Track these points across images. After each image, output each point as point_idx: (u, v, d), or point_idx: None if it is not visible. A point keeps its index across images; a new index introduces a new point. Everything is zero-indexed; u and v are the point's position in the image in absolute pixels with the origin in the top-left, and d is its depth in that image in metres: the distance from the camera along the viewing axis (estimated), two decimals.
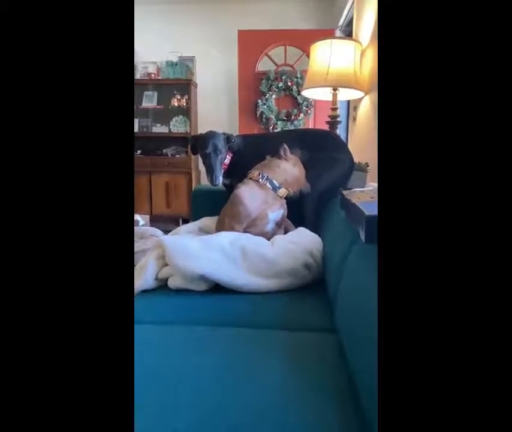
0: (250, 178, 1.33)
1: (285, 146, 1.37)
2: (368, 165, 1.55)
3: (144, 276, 1.10)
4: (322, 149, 1.47)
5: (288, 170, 1.35)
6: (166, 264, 1.11)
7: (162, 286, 1.12)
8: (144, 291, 1.10)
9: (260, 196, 1.29)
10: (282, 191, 1.33)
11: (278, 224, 1.33)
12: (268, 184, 1.31)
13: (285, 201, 1.36)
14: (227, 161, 1.47)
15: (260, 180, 1.31)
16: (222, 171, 1.46)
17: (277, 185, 1.32)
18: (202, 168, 1.58)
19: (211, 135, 1.44)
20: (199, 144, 1.45)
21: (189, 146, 1.55)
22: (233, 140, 1.45)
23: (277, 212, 1.32)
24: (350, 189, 1.33)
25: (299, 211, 1.42)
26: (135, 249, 2.13)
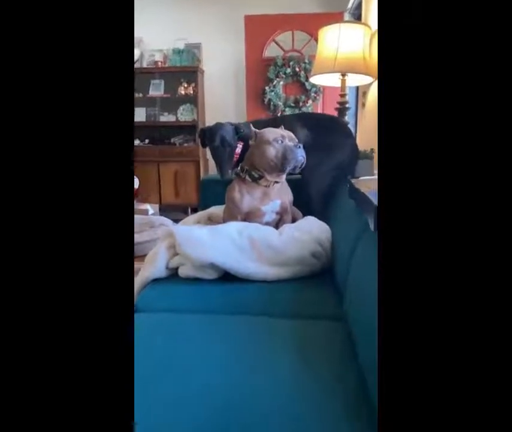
0: (238, 174, 1.31)
1: (251, 127, 1.29)
2: (373, 151, 1.54)
3: (155, 264, 1.12)
4: (326, 133, 1.46)
5: (254, 152, 1.27)
6: (177, 254, 1.13)
7: (172, 275, 1.14)
8: (155, 280, 1.13)
9: (247, 191, 1.27)
10: (263, 180, 1.26)
11: (280, 213, 1.31)
12: (247, 177, 1.27)
13: (284, 189, 1.31)
14: (238, 150, 1.46)
15: (241, 174, 1.29)
16: (233, 162, 1.45)
17: (256, 176, 1.26)
18: (210, 157, 1.57)
19: (218, 127, 1.42)
20: (207, 137, 1.45)
21: (199, 140, 1.55)
22: (242, 130, 1.44)
23: (272, 203, 1.28)
24: (358, 177, 1.32)
25: (305, 197, 1.42)
26: (146, 238, 2.16)
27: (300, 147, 1.21)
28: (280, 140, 1.22)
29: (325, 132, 1.47)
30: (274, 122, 1.42)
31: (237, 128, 1.44)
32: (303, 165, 1.23)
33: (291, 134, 1.27)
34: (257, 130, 1.28)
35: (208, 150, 1.51)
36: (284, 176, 1.29)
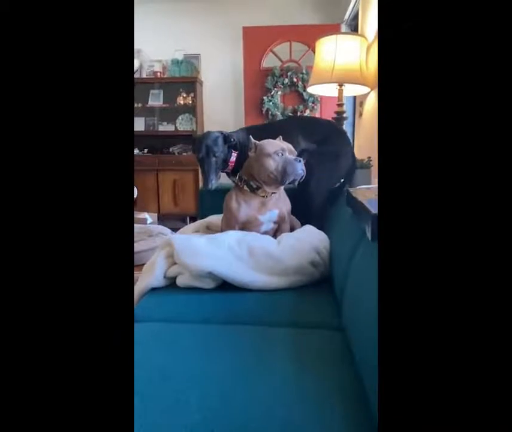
0: (237, 183, 1.31)
1: (251, 138, 1.28)
2: (371, 159, 1.55)
3: (153, 273, 1.12)
4: (325, 141, 1.47)
5: (253, 164, 1.26)
6: (175, 263, 1.13)
7: (171, 284, 1.14)
8: (154, 289, 1.12)
9: (244, 201, 1.27)
10: (261, 191, 1.26)
11: (278, 222, 1.31)
12: (245, 187, 1.27)
13: (281, 198, 1.31)
14: (233, 158, 1.46)
15: (239, 184, 1.29)
16: (229, 170, 1.45)
17: (254, 186, 1.26)
18: None
19: (205, 137, 1.40)
20: (195, 147, 1.44)
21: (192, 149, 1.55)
22: (232, 139, 1.40)
23: (269, 213, 1.28)
24: (355, 186, 1.33)
25: (304, 206, 1.42)
26: (144, 247, 2.15)
27: (300, 161, 1.21)
28: (280, 152, 1.21)
29: (326, 141, 1.47)
30: (271, 127, 1.41)
31: (226, 137, 1.41)
32: (303, 178, 1.23)
33: (291, 146, 1.26)
34: (257, 142, 1.27)
35: None
36: (282, 188, 1.29)
